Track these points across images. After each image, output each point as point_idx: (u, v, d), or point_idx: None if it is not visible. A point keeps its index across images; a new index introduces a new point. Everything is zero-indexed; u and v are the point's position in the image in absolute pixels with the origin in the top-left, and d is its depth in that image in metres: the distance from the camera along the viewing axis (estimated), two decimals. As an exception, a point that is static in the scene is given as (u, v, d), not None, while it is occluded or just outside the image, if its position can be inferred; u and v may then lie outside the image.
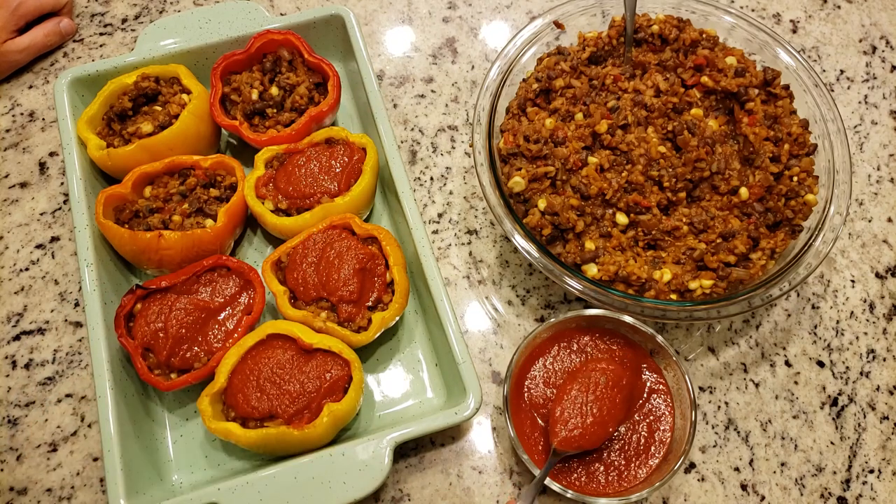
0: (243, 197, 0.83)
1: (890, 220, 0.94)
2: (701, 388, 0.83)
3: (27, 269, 0.88)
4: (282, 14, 1.05)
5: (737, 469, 0.80)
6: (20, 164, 0.94)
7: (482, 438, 0.80)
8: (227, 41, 0.92)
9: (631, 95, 0.83)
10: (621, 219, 0.79)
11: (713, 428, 0.81)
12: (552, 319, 0.76)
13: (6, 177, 0.93)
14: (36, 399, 0.81)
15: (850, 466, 0.80)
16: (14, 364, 0.83)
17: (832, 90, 1.02)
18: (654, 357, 0.78)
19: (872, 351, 0.86)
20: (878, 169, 0.97)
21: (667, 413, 0.76)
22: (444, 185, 0.94)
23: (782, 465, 0.80)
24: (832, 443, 0.81)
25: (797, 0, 1.10)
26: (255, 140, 0.86)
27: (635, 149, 0.80)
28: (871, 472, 0.80)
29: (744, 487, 0.79)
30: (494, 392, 0.82)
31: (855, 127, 1.00)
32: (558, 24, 0.89)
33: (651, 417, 0.76)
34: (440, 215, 0.92)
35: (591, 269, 0.77)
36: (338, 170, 0.84)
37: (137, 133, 0.85)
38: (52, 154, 0.95)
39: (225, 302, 0.79)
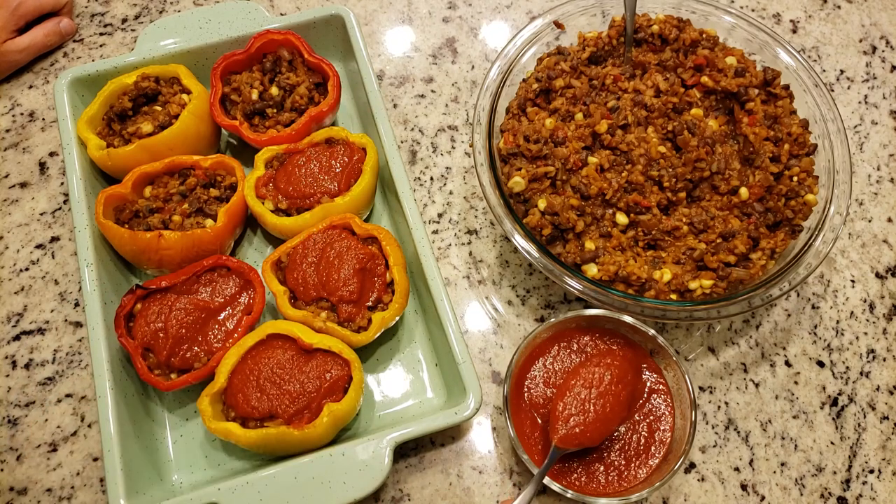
0: (243, 197, 0.83)
1: (890, 220, 0.94)
2: (701, 388, 0.83)
3: (27, 269, 0.88)
4: (282, 14, 1.05)
5: (737, 469, 0.80)
6: (20, 164, 0.94)
7: (482, 438, 0.80)
8: (227, 41, 0.92)
9: (631, 95, 0.83)
10: (621, 219, 0.79)
11: (713, 428, 0.81)
12: (552, 319, 0.76)
13: (6, 177, 0.93)
14: (36, 399, 0.81)
15: (850, 466, 0.80)
16: (14, 364, 0.83)
17: (832, 90, 1.02)
18: (654, 357, 0.78)
19: (872, 351, 0.86)
20: (878, 169, 0.97)
21: (667, 413, 0.76)
22: (444, 185, 0.94)
23: (782, 465, 0.80)
24: (832, 443, 0.81)
25: (797, 0, 1.10)
26: (255, 140, 0.86)
27: (635, 149, 0.80)
28: (871, 472, 0.80)
29: (744, 487, 0.79)
30: (494, 392, 0.82)
31: (855, 127, 1.00)
32: (558, 24, 0.89)
33: (651, 417, 0.76)
34: (440, 215, 0.92)
35: (591, 269, 0.77)
36: (338, 170, 0.84)
37: (137, 133, 0.85)
38: (52, 154, 0.95)
39: (225, 302, 0.79)
